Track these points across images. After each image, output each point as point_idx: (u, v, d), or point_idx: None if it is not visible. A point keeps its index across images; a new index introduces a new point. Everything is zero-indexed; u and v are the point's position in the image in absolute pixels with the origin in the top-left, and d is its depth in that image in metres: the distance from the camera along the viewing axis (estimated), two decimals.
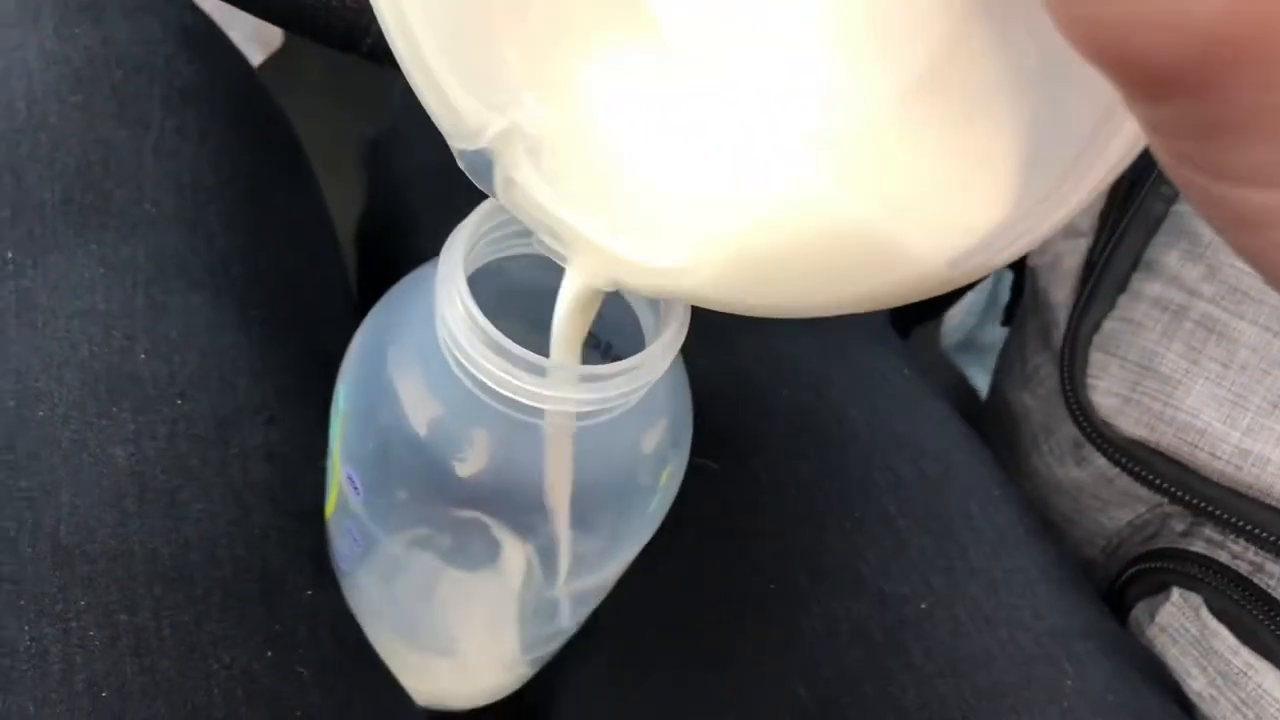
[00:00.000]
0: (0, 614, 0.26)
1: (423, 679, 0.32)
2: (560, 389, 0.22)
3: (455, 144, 0.19)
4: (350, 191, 0.51)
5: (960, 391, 0.67)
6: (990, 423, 0.49)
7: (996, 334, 0.63)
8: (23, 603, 0.26)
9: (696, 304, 0.18)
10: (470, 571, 0.28)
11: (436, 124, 0.19)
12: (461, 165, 0.20)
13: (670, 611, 0.33)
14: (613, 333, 0.27)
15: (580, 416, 0.23)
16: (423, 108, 0.19)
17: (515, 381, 0.22)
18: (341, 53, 0.34)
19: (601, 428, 0.24)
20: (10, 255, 0.29)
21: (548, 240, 0.20)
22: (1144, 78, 0.11)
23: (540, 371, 0.22)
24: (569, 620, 0.30)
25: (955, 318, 0.68)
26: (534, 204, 0.19)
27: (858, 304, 0.16)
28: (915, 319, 0.53)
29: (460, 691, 0.33)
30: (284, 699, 0.28)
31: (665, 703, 0.32)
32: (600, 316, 0.25)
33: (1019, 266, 0.47)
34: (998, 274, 0.58)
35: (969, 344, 0.70)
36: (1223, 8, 0.10)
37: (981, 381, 0.67)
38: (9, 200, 0.30)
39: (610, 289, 0.20)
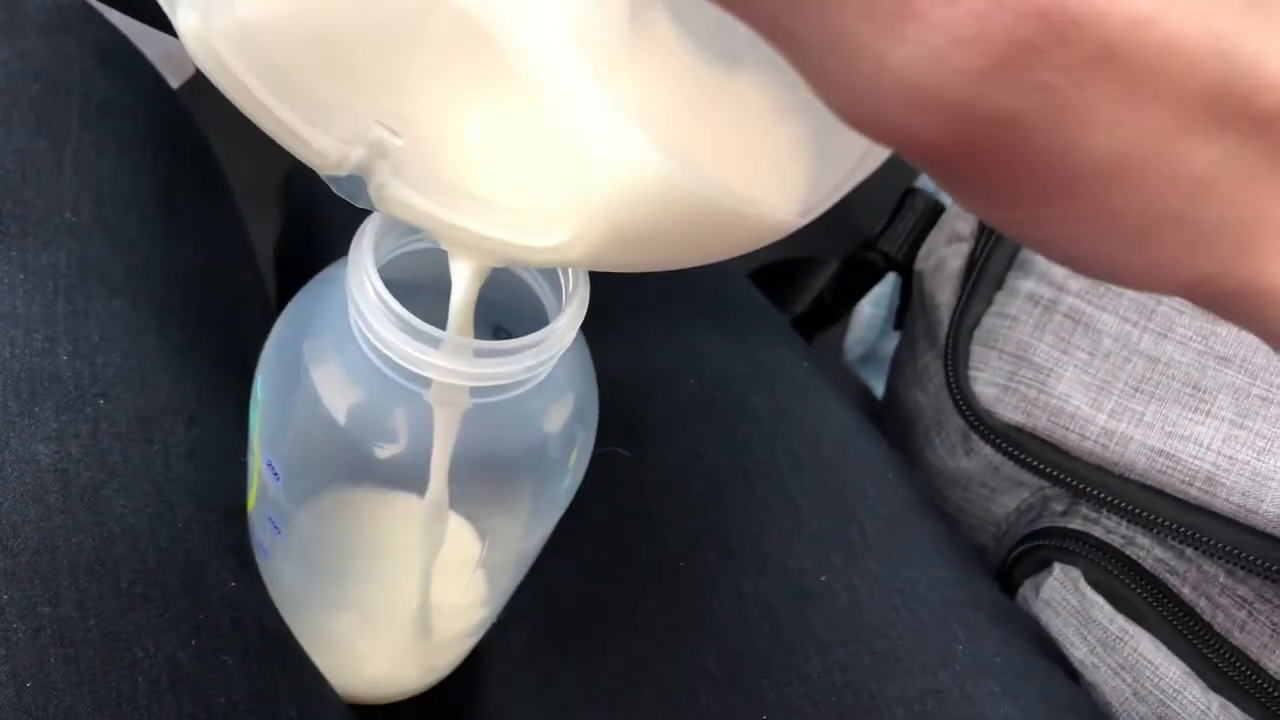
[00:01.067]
0: None
1: (345, 669, 0.33)
2: (467, 362, 0.23)
3: (324, 174, 0.21)
4: (261, 219, 0.52)
5: (864, 401, 0.70)
6: (887, 422, 0.52)
7: (895, 345, 0.66)
8: None
9: (581, 268, 0.20)
10: (389, 551, 0.29)
11: (302, 160, 0.21)
12: (336, 191, 0.22)
13: (585, 594, 0.34)
14: (516, 323, 0.29)
15: (491, 392, 0.24)
16: None
17: (420, 356, 0.23)
18: None
19: (512, 403, 0.25)
20: None
21: (433, 235, 0.22)
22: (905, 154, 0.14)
23: (436, 343, 0.23)
24: (488, 600, 0.31)
25: (857, 332, 0.71)
26: (411, 210, 0.21)
27: (727, 254, 0.18)
28: (815, 327, 0.56)
29: (383, 681, 0.34)
30: (208, 688, 0.29)
31: (583, 682, 0.33)
32: (505, 308, 0.27)
33: (907, 272, 0.50)
34: (896, 288, 0.61)
35: (870, 356, 0.73)
36: (942, 132, 0.13)
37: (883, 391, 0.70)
38: None
39: (499, 265, 0.22)
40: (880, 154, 0.18)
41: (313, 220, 0.46)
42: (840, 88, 0.13)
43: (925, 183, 0.57)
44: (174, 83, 0.43)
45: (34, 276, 0.31)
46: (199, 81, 0.56)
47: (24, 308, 0.30)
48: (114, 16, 0.40)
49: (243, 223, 0.41)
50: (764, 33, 0.14)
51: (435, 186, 0.21)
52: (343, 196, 0.22)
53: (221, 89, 0.19)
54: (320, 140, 0.20)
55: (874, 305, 0.67)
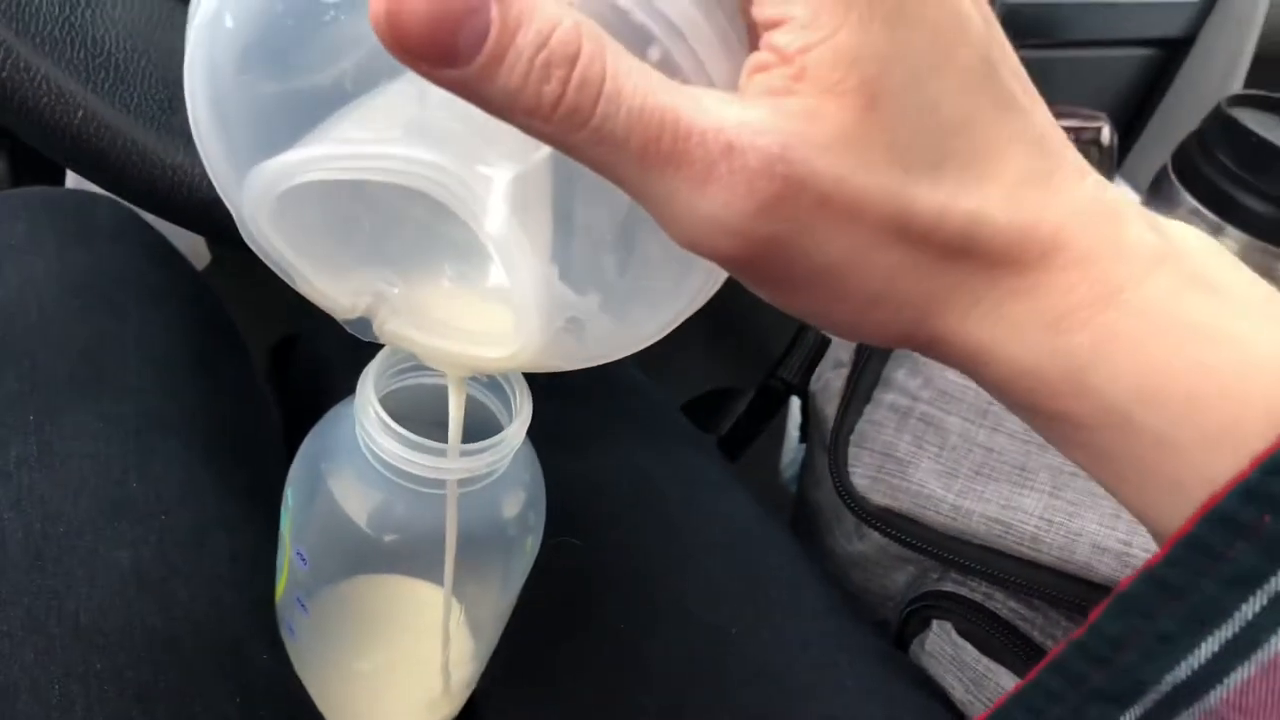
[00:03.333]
0: (36, 677, 0.34)
1: None
2: (453, 461, 0.33)
3: (339, 318, 0.31)
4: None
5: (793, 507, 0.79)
6: (799, 518, 0.61)
7: None
8: (53, 667, 0.34)
9: (525, 371, 0.30)
10: (395, 621, 0.38)
11: (323, 309, 0.30)
12: (348, 329, 0.31)
13: (549, 654, 0.43)
14: (477, 438, 0.38)
15: (469, 481, 0.34)
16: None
17: (420, 461, 0.33)
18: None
19: (482, 493, 0.35)
20: (32, 417, 0.39)
21: (422, 357, 0.31)
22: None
23: (439, 452, 0.33)
24: (474, 656, 0.40)
25: (788, 454, 0.81)
26: (406, 339, 0.30)
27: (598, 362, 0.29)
28: (738, 446, 0.66)
29: None
30: None
31: (548, 714, 0.42)
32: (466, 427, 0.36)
33: (804, 394, 0.61)
34: None
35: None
36: (735, 247, 0.21)
37: None
38: (29, 377, 0.40)
39: (470, 374, 0.31)
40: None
41: (318, 373, 0.55)
42: (674, 222, 0.21)
43: None
44: (198, 266, 0.54)
45: (110, 424, 0.40)
46: (213, 268, 0.67)
47: (104, 448, 0.39)
48: (154, 222, 0.51)
49: (258, 378, 0.50)
50: (628, 192, 0.21)
51: (422, 321, 0.30)
52: (354, 334, 0.31)
53: (272, 266, 0.29)
54: (337, 292, 0.29)
55: (799, 430, 0.77)
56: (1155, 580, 0.21)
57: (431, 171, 0.23)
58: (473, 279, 0.29)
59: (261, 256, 0.29)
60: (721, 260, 0.22)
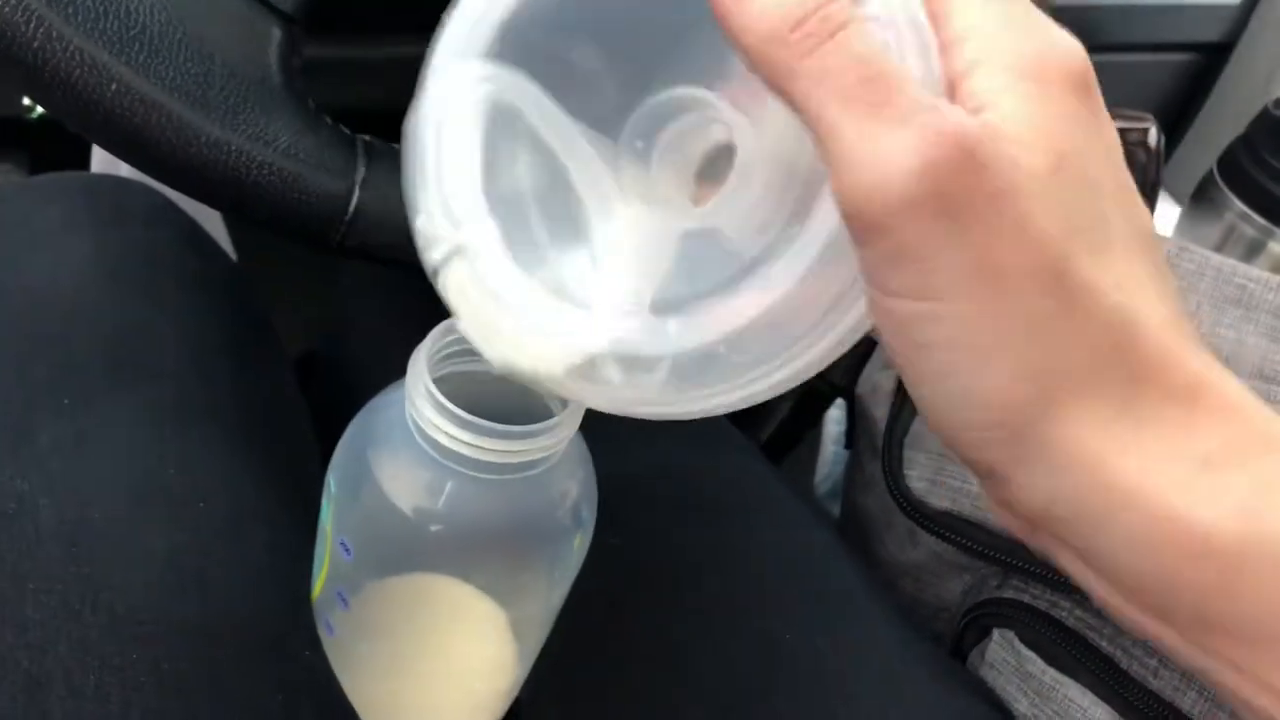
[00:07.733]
0: (70, 668, 0.33)
1: None
2: (500, 441, 0.31)
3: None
4: None
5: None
6: (845, 526, 0.59)
7: None
8: (88, 658, 0.33)
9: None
10: (437, 620, 0.36)
11: None
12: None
13: (592, 658, 0.41)
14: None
15: (516, 469, 0.32)
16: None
17: (473, 441, 0.31)
18: (315, 250, 0.43)
19: (533, 482, 0.33)
20: (67, 402, 0.38)
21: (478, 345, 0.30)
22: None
23: (492, 433, 0.31)
24: (519, 660, 0.38)
25: (824, 469, 0.79)
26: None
27: None
28: (780, 451, 0.64)
29: None
30: None
31: None
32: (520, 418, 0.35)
33: (850, 396, 0.59)
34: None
35: (836, 491, 0.81)
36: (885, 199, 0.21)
37: None
38: (63, 362, 0.39)
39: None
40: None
41: (341, 396, 0.54)
42: (846, 165, 0.21)
43: None
44: (233, 257, 0.53)
45: (146, 410, 0.39)
46: (242, 258, 0.64)
47: (140, 434, 0.38)
48: (190, 208, 0.50)
49: (292, 370, 0.49)
50: (817, 129, 0.21)
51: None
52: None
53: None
54: None
55: (836, 444, 0.75)
56: None
57: None
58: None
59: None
60: (869, 225, 0.21)
